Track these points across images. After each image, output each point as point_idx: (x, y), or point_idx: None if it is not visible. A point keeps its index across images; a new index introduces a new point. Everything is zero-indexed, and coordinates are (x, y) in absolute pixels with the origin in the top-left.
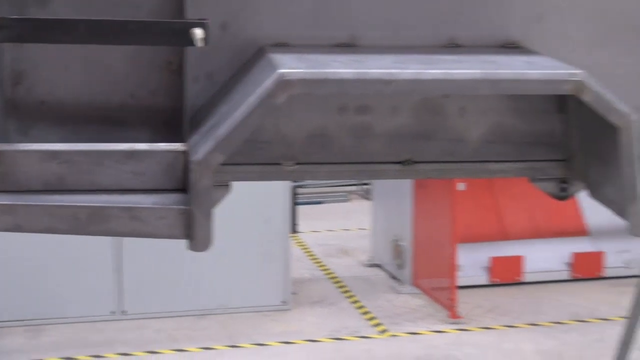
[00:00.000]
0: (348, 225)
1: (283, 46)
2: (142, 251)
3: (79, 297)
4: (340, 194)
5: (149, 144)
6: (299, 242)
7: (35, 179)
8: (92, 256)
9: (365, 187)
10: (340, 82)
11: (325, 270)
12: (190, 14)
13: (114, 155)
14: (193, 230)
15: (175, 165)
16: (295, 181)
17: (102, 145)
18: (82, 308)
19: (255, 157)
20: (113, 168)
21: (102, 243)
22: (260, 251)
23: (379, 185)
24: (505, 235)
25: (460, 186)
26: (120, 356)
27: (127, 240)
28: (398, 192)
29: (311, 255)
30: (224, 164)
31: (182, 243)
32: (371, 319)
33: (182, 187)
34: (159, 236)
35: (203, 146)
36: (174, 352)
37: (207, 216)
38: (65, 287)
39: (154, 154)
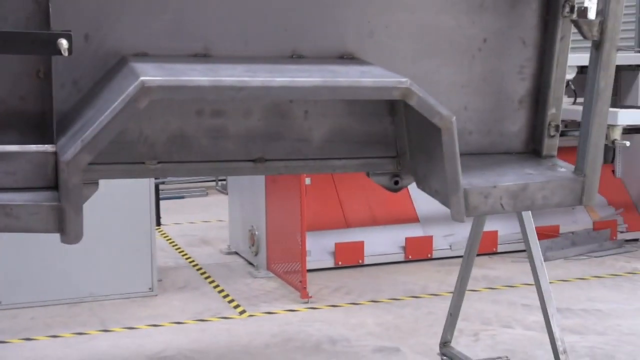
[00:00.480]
0: (207, 218)
1: (143, 56)
2: (14, 244)
3: None
4: (200, 189)
5: (20, 145)
6: (163, 234)
7: None
8: None
9: (221, 182)
10: (197, 89)
11: (188, 258)
12: (55, 25)
13: None
14: (64, 224)
15: (46, 165)
16: (157, 178)
17: None
18: None
19: (121, 157)
20: None
21: None
22: (127, 242)
23: (234, 181)
24: (347, 224)
25: (307, 181)
26: None
27: None
28: (252, 186)
29: (175, 246)
30: (91, 164)
31: (54, 236)
32: (231, 301)
33: (53, 185)
34: (33, 231)
35: (72, 147)
36: (48, 338)
37: (77, 211)
38: None
39: (25, 155)
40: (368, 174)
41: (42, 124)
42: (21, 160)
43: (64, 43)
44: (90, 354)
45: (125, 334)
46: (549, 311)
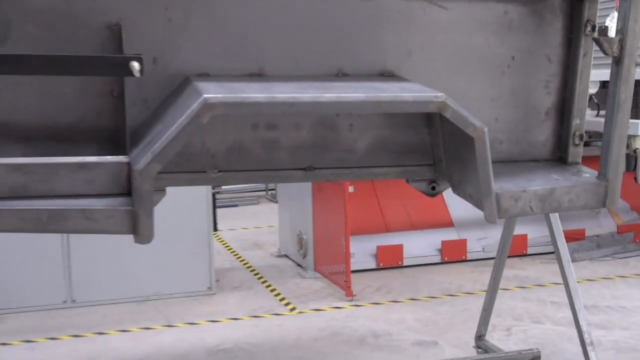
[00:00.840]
0: (259, 224)
1: (205, 76)
2: (88, 247)
3: (34, 289)
4: (251, 198)
5: (98, 156)
6: (219, 239)
7: (2, 187)
8: (45, 252)
9: (271, 192)
10: (254, 105)
11: (242, 261)
12: (127, 50)
13: (68, 166)
14: (138, 227)
15: (120, 174)
16: (214, 187)
17: (58, 159)
18: (37, 298)
19: (186, 167)
20: (68, 177)
21: (53, 241)
22: (188, 246)
23: (283, 189)
24: (387, 229)
25: (350, 189)
26: (72, 337)
27: (74, 238)
28: (300, 194)
29: (230, 249)
30: (160, 172)
31: (123, 240)
32: (282, 299)
33: (127, 192)
34: (109, 232)
35: (143, 158)
36: (118, 332)
37: (149, 215)
38: (22, 281)
39: (102, 165)
40: (407, 181)
41: (116, 138)
42: (99, 170)
43: (135, 65)
44: (156, 347)
45: (187, 328)
46: (576, 307)
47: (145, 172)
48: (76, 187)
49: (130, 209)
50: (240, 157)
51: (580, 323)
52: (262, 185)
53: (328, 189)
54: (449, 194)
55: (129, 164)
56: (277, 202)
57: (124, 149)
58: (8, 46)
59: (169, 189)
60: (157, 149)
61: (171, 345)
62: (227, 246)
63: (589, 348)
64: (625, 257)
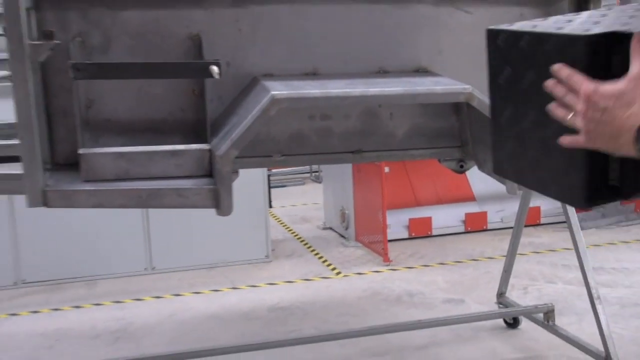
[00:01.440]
0: (305, 201)
1: (270, 76)
2: (165, 222)
3: (120, 258)
4: (298, 179)
5: (184, 145)
6: (273, 215)
7: (109, 171)
8: (129, 226)
9: (315, 173)
10: (313, 99)
11: (292, 233)
12: (206, 56)
13: (161, 153)
14: (219, 202)
15: (203, 159)
16: (269, 170)
17: (153, 147)
18: (122, 266)
19: (255, 152)
20: (162, 162)
21: (136, 217)
22: (248, 220)
23: (328, 171)
24: (417, 203)
25: (386, 169)
26: (154, 298)
27: (152, 215)
28: (342, 175)
29: (282, 223)
30: (235, 157)
31: (196, 215)
32: (328, 265)
33: (208, 173)
34: (197, 207)
35: (223, 145)
36: (192, 294)
37: (229, 192)
38: (110, 252)
39: (188, 152)
40: (439, 161)
41: (197, 129)
42: (186, 156)
43: (215, 69)
44: (224, 306)
45: (249, 290)
46: (585, 268)
47: (226, 157)
48: (168, 170)
49: (214, 188)
50: (299, 143)
51: (589, 280)
52: (307, 168)
53: (366, 170)
54: (471, 172)
55: (210, 151)
56: (320, 182)
57: (204, 138)
58: (110, 55)
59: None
60: (235, 137)
61: (237, 304)
62: (279, 221)
63: (596, 302)
64: (628, 225)
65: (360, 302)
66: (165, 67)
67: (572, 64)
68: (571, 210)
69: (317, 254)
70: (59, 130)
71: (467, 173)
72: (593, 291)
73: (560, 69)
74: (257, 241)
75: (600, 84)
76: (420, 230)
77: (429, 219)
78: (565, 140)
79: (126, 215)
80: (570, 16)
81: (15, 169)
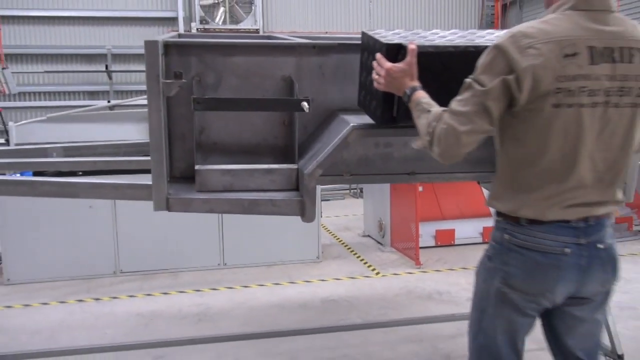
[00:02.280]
0: (346, 213)
1: (345, 110)
2: (235, 226)
3: (199, 254)
4: (339, 195)
5: (277, 164)
6: (321, 224)
7: (218, 184)
8: (206, 229)
9: (353, 190)
10: (382, 132)
11: (337, 239)
12: (297, 94)
13: (259, 171)
14: (305, 211)
15: (292, 176)
16: (352, 185)
17: (252, 166)
18: (201, 261)
19: (331, 171)
20: (259, 178)
21: (212, 221)
22: (303, 226)
23: (369, 187)
24: (443, 217)
25: (420, 188)
26: (226, 289)
27: (226, 219)
28: (381, 191)
29: (328, 231)
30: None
31: (262, 222)
32: (369, 266)
33: (295, 187)
34: (287, 214)
35: (310, 165)
36: (257, 286)
37: (313, 203)
38: (190, 248)
39: (280, 170)
40: (478, 183)
41: (287, 152)
42: (277, 173)
43: (305, 105)
44: (284, 297)
45: (304, 285)
46: None
47: (312, 175)
48: (264, 185)
49: (301, 199)
50: (365, 165)
51: None
52: (347, 185)
53: (402, 188)
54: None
55: (297, 170)
56: (358, 197)
57: (292, 160)
58: (220, 92)
59: None
60: (321, 159)
61: (294, 296)
62: (326, 229)
63: None
64: (622, 241)
65: (397, 298)
66: (266, 102)
67: (384, 55)
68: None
69: (358, 256)
70: (177, 151)
71: (485, 192)
72: None
73: (378, 57)
74: (310, 244)
75: (393, 64)
76: (445, 240)
77: (453, 230)
78: (377, 86)
79: (205, 220)
80: (426, 32)
81: (135, 179)
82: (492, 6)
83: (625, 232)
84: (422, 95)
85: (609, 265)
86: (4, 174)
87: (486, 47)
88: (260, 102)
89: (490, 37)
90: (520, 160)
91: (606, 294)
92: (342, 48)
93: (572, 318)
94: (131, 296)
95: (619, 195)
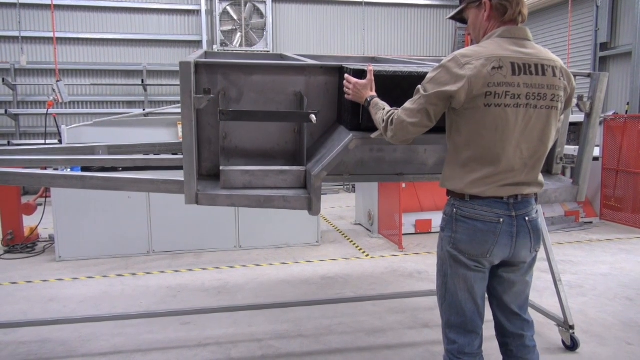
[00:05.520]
0: (340, 205)
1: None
2: (249, 216)
3: (218, 237)
4: (334, 189)
5: (288, 166)
6: (320, 214)
7: (239, 182)
8: (225, 217)
9: (346, 186)
10: (375, 140)
11: (333, 226)
12: (306, 107)
13: (274, 172)
14: (311, 206)
15: (301, 177)
16: (349, 183)
17: (268, 167)
18: (220, 243)
19: (333, 172)
20: (273, 177)
21: (229, 210)
22: (305, 215)
23: (360, 183)
24: (422, 209)
25: (403, 185)
26: (241, 267)
27: (242, 209)
28: (370, 187)
29: (326, 219)
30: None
31: (271, 212)
32: (360, 249)
33: (303, 186)
34: (296, 209)
35: (317, 168)
36: (267, 265)
37: (318, 200)
38: (211, 232)
39: (291, 171)
40: None
41: (296, 155)
42: (289, 174)
43: (313, 117)
44: (289, 274)
45: (306, 264)
46: (551, 258)
47: (318, 176)
48: (277, 183)
49: (308, 196)
50: (362, 167)
51: (553, 267)
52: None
53: (388, 185)
54: None
55: (305, 171)
56: (350, 192)
57: (301, 162)
58: (241, 105)
59: None
60: (326, 163)
61: (298, 273)
62: (324, 218)
63: (558, 283)
64: (570, 231)
65: (384, 276)
66: (280, 115)
67: (352, 75)
68: (541, 218)
69: (351, 241)
70: (204, 153)
71: None
72: (556, 275)
73: (347, 76)
74: (311, 230)
75: (358, 80)
76: (423, 228)
77: (430, 220)
78: (346, 97)
79: (224, 209)
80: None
81: (167, 175)
82: (463, 35)
83: (573, 223)
84: (378, 101)
85: (534, 234)
86: (57, 169)
87: (425, 72)
88: (275, 115)
89: (430, 66)
90: (462, 148)
91: (533, 260)
92: (344, 70)
93: (508, 280)
94: (162, 272)
95: (541, 178)
